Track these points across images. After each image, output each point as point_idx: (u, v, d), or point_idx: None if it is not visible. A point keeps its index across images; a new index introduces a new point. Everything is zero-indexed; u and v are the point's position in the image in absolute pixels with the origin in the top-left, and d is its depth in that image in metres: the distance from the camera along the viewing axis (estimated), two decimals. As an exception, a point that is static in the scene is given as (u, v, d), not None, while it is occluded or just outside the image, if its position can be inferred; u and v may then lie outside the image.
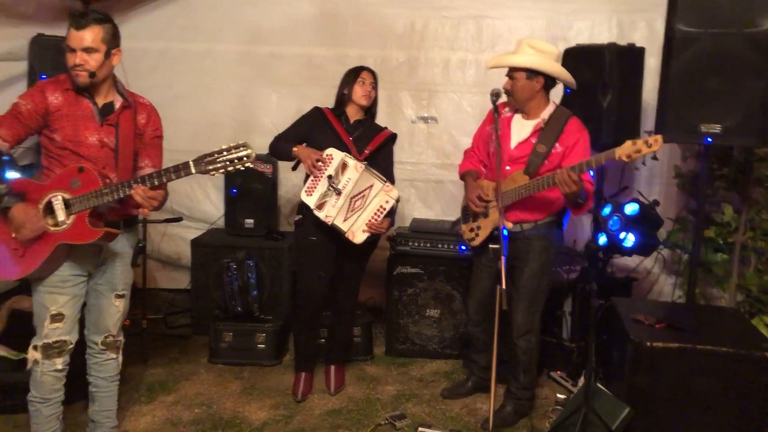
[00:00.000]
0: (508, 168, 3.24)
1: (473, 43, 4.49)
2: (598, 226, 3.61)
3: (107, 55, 2.64)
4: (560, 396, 3.59)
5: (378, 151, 3.58)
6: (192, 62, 4.82)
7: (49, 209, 2.61)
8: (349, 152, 3.46)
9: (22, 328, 3.32)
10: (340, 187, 3.41)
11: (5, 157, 2.66)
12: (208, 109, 4.83)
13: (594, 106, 3.48)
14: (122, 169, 2.71)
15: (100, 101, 2.71)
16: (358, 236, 3.45)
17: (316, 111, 3.63)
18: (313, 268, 3.57)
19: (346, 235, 3.44)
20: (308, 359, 3.75)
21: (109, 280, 2.84)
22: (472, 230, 3.42)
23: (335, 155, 3.44)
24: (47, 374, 2.73)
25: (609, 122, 3.50)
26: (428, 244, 4.13)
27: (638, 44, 3.73)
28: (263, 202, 4.50)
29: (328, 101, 3.75)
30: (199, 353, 4.11)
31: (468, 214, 3.46)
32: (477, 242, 3.40)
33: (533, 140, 3.22)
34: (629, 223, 3.48)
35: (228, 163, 2.50)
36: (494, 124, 3.11)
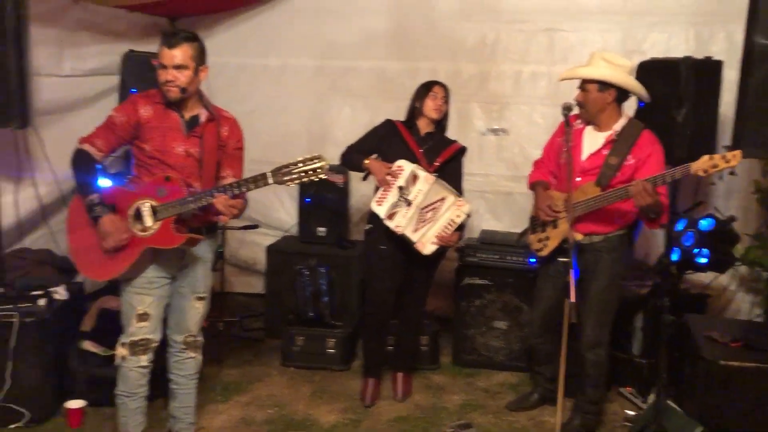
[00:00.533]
0: (578, 179, 3.24)
1: (545, 56, 4.49)
2: (671, 240, 3.55)
3: (196, 71, 2.80)
4: (629, 412, 3.56)
5: (447, 164, 3.63)
6: (269, 76, 5.01)
7: (138, 215, 2.79)
8: (418, 164, 3.54)
9: (110, 327, 3.55)
10: (410, 198, 3.48)
11: (98, 166, 2.87)
12: (284, 121, 5.01)
13: (668, 120, 3.44)
14: (206, 179, 2.87)
15: (187, 114, 2.87)
16: (428, 248, 3.51)
17: (388, 123, 3.72)
18: (382, 276, 3.65)
19: (415, 245, 3.50)
20: (376, 366, 3.83)
21: (191, 283, 2.99)
22: (540, 241, 3.43)
23: (405, 167, 3.52)
24: (133, 370, 2.90)
25: (683, 136, 3.44)
26: (497, 256, 4.15)
27: (717, 56, 3.66)
28: (335, 211, 4.64)
29: (399, 114, 3.84)
30: (272, 356, 4.25)
31: (536, 224, 3.48)
32: (545, 252, 3.40)
33: (605, 152, 3.21)
34: (704, 239, 3.42)
35: (303, 174, 2.61)
36: (565, 137, 3.12)
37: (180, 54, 2.73)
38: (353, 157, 3.65)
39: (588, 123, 3.31)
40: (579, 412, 3.43)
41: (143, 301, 2.86)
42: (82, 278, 3.91)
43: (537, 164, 3.59)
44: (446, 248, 3.67)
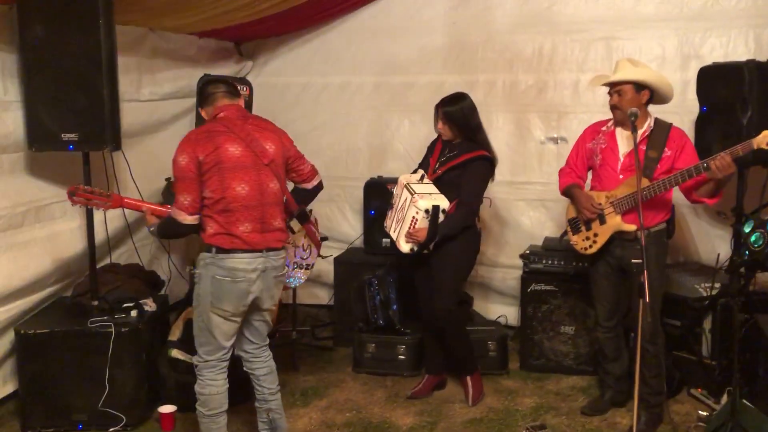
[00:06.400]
0: (621, 177, 3.42)
1: (603, 64, 4.52)
2: (740, 241, 3.58)
3: None
4: (702, 413, 3.58)
5: (457, 170, 3.72)
6: (331, 94, 5.20)
7: None
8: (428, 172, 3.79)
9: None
10: (393, 202, 3.83)
11: None
12: (346, 136, 5.18)
13: (733, 124, 3.49)
14: None
15: None
16: (402, 246, 3.68)
17: (436, 138, 3.94)
18: (417, 282, 3.91)
19: (396, 243, 3.73)
20: (430, 361, 4.05)
21: None
22: (587, 239, 3.53)
23: (401, 178, 3.81)
24: None
25: (749, 139, 3.48)
26: (562, 262, 4.22)
27: (779, 59, 3.70)
28: (399, 223, 4.76)
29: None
30: (343, 363, 4.41)
31: (578, 224, 3.58)
32: (594, 249, 3.51)
33: (642, 147, 3.35)
34: (773, 239, 3.43)
35: None
36: (633, 139, 3.21)
37: None
38: None
39: (618, 125, 3.48)
40: (645, 408, 3.46)
41: None
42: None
43: (564, 172, 3.72)
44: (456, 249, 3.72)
